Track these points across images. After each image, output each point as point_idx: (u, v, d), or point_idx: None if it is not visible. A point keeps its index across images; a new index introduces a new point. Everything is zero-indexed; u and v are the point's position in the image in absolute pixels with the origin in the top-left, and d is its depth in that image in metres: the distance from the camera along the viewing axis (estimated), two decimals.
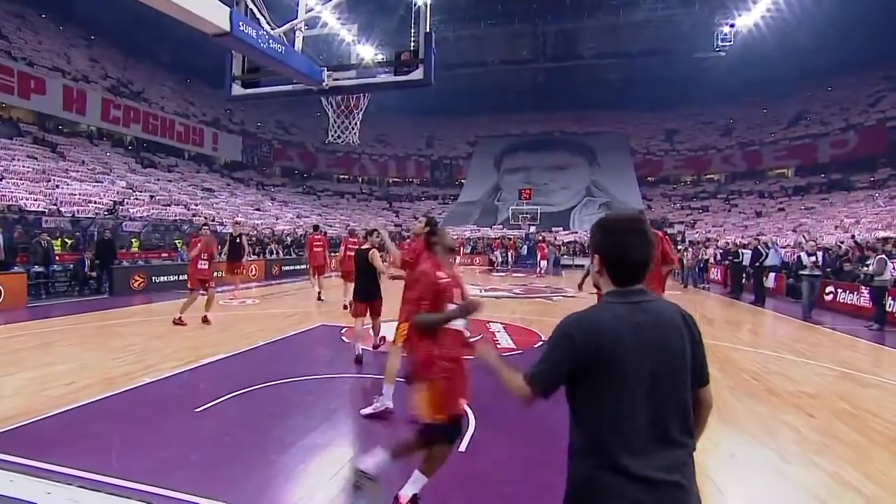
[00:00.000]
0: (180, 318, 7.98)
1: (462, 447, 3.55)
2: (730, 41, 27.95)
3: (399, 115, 39.26)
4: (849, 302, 11.34)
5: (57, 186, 17.17)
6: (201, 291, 8.36)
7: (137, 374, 5.22)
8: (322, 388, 5.00)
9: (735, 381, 5.41)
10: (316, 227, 13.05)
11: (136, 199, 19.43)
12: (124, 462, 3.24)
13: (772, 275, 14.50)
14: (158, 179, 23.81)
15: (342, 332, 7.68)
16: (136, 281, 12.14)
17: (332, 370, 5.58)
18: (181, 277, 13.08)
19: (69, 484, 2.97)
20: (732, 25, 27.44)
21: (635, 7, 29.47)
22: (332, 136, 4.48)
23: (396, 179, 42.15)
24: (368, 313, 5.89)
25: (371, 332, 6.18)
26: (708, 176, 37.50)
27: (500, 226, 33.45)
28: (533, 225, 30.17)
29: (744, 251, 14.27)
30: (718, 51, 28.82)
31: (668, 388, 1.29)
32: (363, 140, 40.77)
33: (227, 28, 2.73)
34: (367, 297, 5.78)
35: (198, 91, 33.17)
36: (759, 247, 13.38)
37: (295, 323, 8.48)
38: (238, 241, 11.35)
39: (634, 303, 1.34)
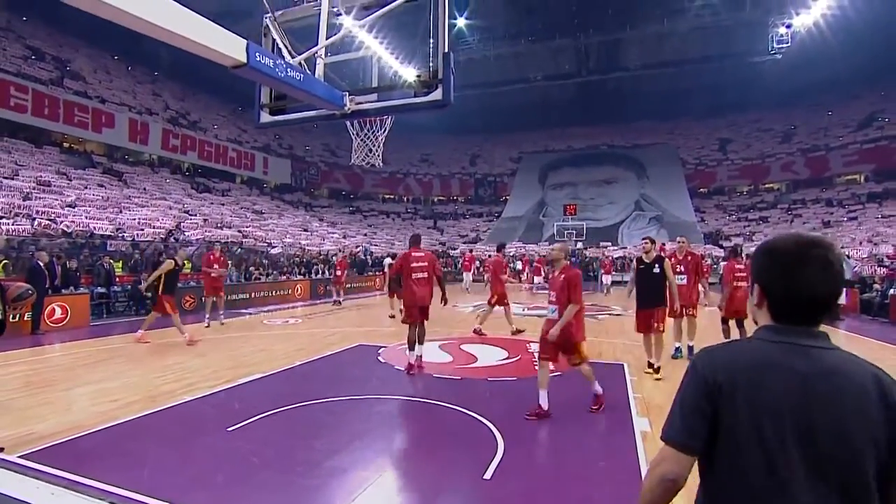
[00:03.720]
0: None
1: (488, 474, 3.41)
2: (787, 42, 26.60)
3: (443, 135, 39.77)
4: None
5: (121, 212, 18.43)
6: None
7: (179, 392, 5.40)
8: (353, 409, 4.98)
9: None
10: (416, 240, 6.79)
11: (191, 222, 20.52)
12: (155, 479, 3.32)
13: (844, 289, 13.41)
14: (212, 203, 25.10)
15: (379, 351, 7.69)
16: (188, 301, 12.71)
17: (365, 391, 5.56)
18: (230, 297, 13.62)
19: (101, 500, 3.07)
20: (789, 26, 26.12)
21: (680, 15, 28.63)
22: (356, 158, 4.55)
23: (441, 198, 42.53)
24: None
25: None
26: (767, 185, 35.49)
27: (546, 242, 32.92)
28: (580, 241, 29.50)
29: None
30: (774, 53, 27.49)
31: (836, 477, 0.97)
32: (407, 161, 41.57)
33: (244, 60, 2.82)
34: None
35: (249, 119, 34.59)
36: None
37: (334, 342, 8.57)
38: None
39: (796, 344, 1.05)
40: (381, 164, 4.74)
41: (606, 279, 19.79)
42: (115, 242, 15.32)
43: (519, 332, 9.05)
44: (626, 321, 11.07)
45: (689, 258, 7.21)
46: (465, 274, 21.21)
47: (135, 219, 18.06)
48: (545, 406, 4.57)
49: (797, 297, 1.07)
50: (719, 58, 31.75)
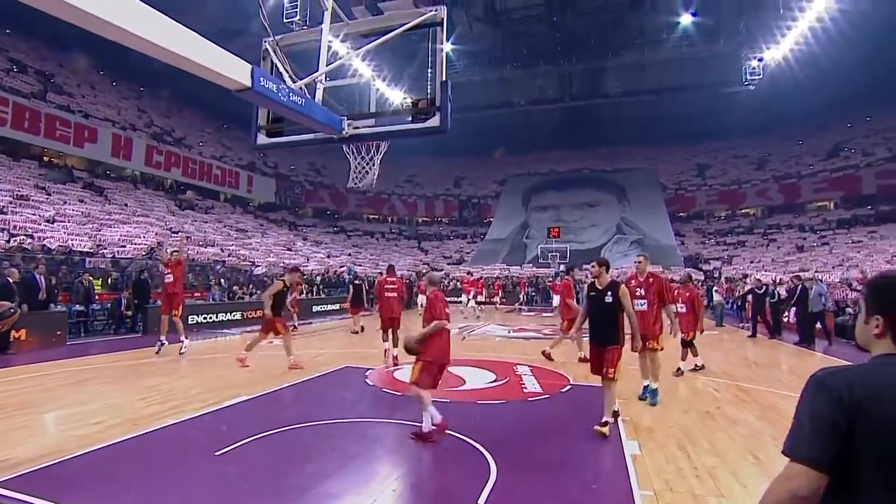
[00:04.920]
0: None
1: (482, 500, 3.40)
2: (759, 75, 27.76)
3: (428, 157, 40.11)
4: None
5: (101, 228, 18.08)
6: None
7: (163, 414, 5.27)
8: (343, 432, 4.92)
9: (779, 431, 5.05)
10: (391, 269, 9.51)
11: (174, 240, 20.21)
12: None
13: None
14: (195, 221, 24.80)
15: (367, 374, 7.62)
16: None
17: (354, 414, 5.51)
18: (214, 317, 13.38)
19: None
20: (761, 59, 27.31)
21: (659, 45, 29.74)
22: (353, 181, 4.60)
23: (425, 219, 42.68)
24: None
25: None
26: (743, 210, 36.53)
27: (530, 264, 33.18)
28: (563, 263, 29.78)
29: (778, 288, 13.67)
30: (748, 84, 28.63)
31: None
32: (392, 181, 41.71)
33: (249, 84, 2.87)
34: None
35: (234, 136, 34.86)
36: (802, 284, 12.77)
37: (320, 364, 8.48)
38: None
39: None
40: (374, 184, 4.80)
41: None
42: (94, 259, 15.00)
43: (585, 360, 8.58)
44: None
45: (651, 281, 6.21)
46: (464, 296, 21.27)
47: (115, 235, 17.73)
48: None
49: None
50: (696, 87, 32.92)
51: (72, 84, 25.58)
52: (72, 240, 15.91)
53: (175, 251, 9.88)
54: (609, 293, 4.97)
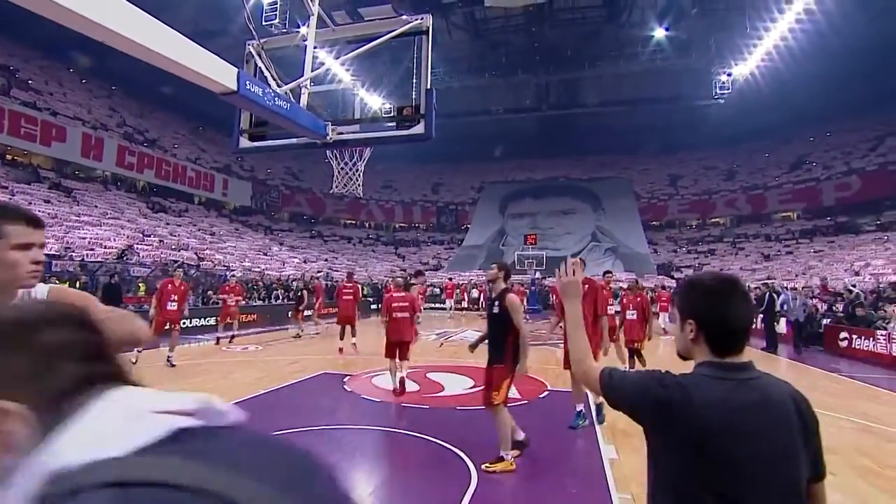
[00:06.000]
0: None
1: None
2: (728, 89, 28.70)
3: (406, 163, 40.12)
4: (865, 348, 11.07)
5: (69, 230, 17.49)
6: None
7: None
8: (323, 440, 4.88)
9: None
10: (350, 276, 11.52)
11: (146, 243, 19.71)
12: None
13: (783, 320, 14.25)
14: (168, 224, 24.22)
15: (345, 380, 7.56)
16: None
17: (333, 421, 5.47)
18: (187, 323, 13.07)
19: None
20: (730, 74, 28.26)
21: (634, 58, 30.51)
22: (337, 186, 4.59)
23: (403, 225, 42.60)
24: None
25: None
26: (713, 220, 37.61)
27: None
28: (539, 270, 30.11)
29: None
30: (717, 98, 29.56)
31: (776, 485, 1.13)
32: (370, 187, 41.48)
33: (235, 88, 2.85)
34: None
35: (210, 138, 34.24)
36: (770, 292, 13.21)
37: (297, 370, 8.37)
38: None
39: (741, 380, 1.18)
40: (360, 192, 4.80)
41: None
42: (61, 262, 14.49)
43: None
44: None
45: (587, 288, 5.31)
46: (448, 301, 21.35)
47: (84, 238, 17.18)
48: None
49: (731, 328, 1.21)
50: (669, 99, 33.82)
51: (39, 80, 24.75)
52: None
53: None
54: (496, 303, 4.29)
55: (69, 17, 2.02)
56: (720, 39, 27.57)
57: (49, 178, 22.10)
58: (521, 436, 4.33)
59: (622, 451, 4.54)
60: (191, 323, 13.09)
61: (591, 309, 5.38)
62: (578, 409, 5.22)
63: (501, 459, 4.07)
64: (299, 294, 14.52)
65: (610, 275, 7.70)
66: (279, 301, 18.69)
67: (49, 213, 18.15)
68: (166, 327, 8.75)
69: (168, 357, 8.62)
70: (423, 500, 3.65)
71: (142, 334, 1.31)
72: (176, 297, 8.75)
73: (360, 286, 13.49)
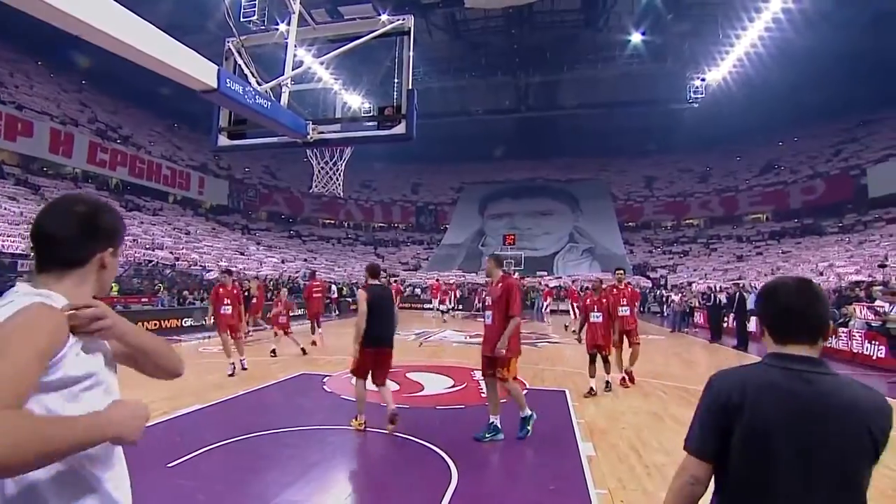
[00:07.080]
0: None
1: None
2: (701, 94, 29.43)
3: (385, 162, 40.00)
4: (828, 345, 11.48)
5: None
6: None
7: None
8: (303, 440, 4.85)
9: None
10: (313, 274, 14.59)
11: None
12: None
13: (753, 318, 14.68)
14: (142, 222, 23.64)
15: (324, 380, 7.51)
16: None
17: (313, 422, 5.43)
18: (163, 324, 12.84)
19: None
20: (703, 79, 28.98)
21: (611, 62, 31.02)
22: (317, 186, 4.57)
23: (382, 224, 42.45)
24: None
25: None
26: (687, 221, 38.47)
27: (485, 271, 33.51)
28: (517, 270, 30.35)
29: (719, 295, 14.52)
30: (692, 102, 30.28)
31: (831, 485, 1.11)
32: (349, 186, 41.21)
33: (215, 85, 2.83)
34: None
35: (185, 136, 33.54)
36: (741, 291, 13.61)
37: (276, 371, 8.28)
38: None
39: (795, 370, 1.18)
40: (341, 192, 4.78)
41: (546, 306, 20.25)
42: (28, 262, 14.02)
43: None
44: (565, 349, 11.54)
45: (500, 286, 4.85)
46: (434, 301, 21.35)
47: None
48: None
49: (789, 319, 1.25)
50: (646, 102, 34.50)
51: (3, 72, 23.87)
52: (1, 241, 14.82)
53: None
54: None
55: (43, 10, 1.98)
56: (694, 45, 28.27)
57: (14, 175, 21.36)
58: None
59: (599, 448, 4.63)
60: (167, 324, 12.85)
61: (503, 308, 4.75)
62: (492, 421, 4.81)
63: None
64: (246, 293, 13.55)
65: (620, 272, 7.75)
66: (255, 301, 18.38)
67: (15, 211, 17.55)
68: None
69: (241, 361, 8.24)
70: (404, 500, 3.66)
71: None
72: (229, 301, 8.09)
73: (328, 284, 14.53)
